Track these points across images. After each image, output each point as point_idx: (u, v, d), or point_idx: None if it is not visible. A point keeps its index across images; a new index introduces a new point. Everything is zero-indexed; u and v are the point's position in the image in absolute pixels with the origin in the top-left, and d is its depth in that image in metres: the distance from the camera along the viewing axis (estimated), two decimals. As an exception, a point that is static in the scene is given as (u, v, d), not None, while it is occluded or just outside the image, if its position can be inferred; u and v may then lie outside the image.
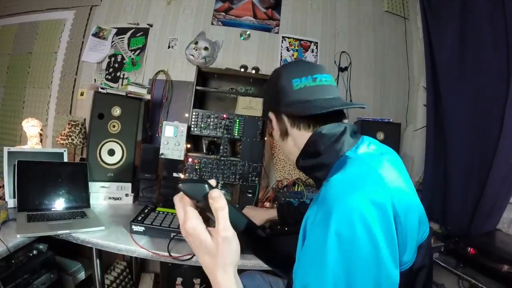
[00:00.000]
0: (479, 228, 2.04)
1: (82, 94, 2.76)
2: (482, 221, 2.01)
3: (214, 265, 0.67)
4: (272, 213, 1.75)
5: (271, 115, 1.05)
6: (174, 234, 1.63)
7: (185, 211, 0.67)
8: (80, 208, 1.92)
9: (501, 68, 1.99)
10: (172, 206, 2.07)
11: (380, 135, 2.41)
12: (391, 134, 2.45)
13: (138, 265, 2.76)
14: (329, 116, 0.95)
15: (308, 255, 0.72)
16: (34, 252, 1.76)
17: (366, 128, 2.42)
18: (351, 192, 0.71)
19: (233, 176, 2.26)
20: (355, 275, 0.66)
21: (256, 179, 2.27)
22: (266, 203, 2.38)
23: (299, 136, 0.99)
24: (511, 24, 1.89)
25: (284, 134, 1.03)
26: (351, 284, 0.66)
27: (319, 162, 0.93)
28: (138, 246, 1.54)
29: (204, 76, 2.50)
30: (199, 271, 2.26)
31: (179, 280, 2.27)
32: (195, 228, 0.66)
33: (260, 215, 1.78)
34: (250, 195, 2.28)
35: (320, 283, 0.67)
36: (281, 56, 2.80)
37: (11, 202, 1.83)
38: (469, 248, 1.77)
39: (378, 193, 0.72)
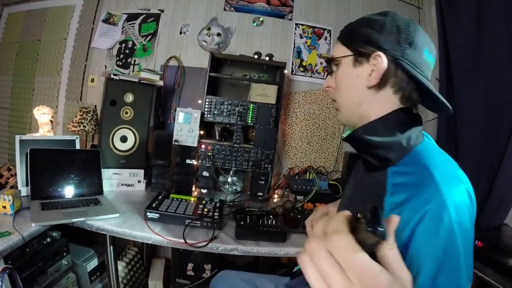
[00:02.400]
0: (487, 222, 2.03)
1: (92, 80, 2.73)
2: (490, 215, 1.99)
3: None
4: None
5: (382, 57, 0.82)
6: (189, 221, 1.61)
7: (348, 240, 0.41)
8: (93, 195, 1.91)
9: None
10: (185, 192, 2.08)
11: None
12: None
13: (149, 251, 2.77)
14: None
15: (431, 248, 0.68)
16: (48, 239, 1.76)
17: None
18: (458, 184, 0.72)
19: (246, 163, 2.25)
20: (468, 259, 0.70)
21: (269, 166, 2.26)
22: (278, 190, 2.36)
23: (385, 101, 0.88)
24: None
25: (377, 87, 0.87)
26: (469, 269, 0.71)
27: (394, 141, 0.83)
28: (153, 233, 1.52)
29: (217, 62, 2.46)
30: (209, 257, 2.25)
31: (190, 265, 2.26)
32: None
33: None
34: (263, 182, 2.27)
35: (456, 268, 0.68)
36: (294, 43, 2.74)
37: (24, 191, 1.83)
38: (477, 241, 1.76)
39: (470, 186, 0.75)
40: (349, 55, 0.90)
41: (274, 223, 1.67)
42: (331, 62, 0.97)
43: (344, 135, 0.96)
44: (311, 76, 2.76)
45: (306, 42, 2.76)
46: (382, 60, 0.82)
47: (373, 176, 0.91)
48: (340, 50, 0.93)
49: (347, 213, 0.44)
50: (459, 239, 0.67)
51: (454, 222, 0.67)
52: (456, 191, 0.70)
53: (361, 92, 0.88)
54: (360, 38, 0.87)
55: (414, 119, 0.88)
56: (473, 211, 0.73)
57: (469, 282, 0.70)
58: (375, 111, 0.88)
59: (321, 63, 2.78)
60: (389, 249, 0.43)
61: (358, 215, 0.42)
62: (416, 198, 0.71)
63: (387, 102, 0.87)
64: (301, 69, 2.76)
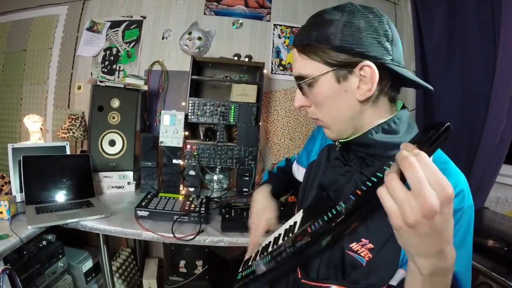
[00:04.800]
0: None
1: (79, 88, 2.79)
2: None
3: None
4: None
5: (372, 67, 0.71)
6: (177, 216, 1.72)
7: (436, 173, 0.48)
8: (85, 198, 1.98)
9: (487, 52, 2.02)
10: (173, 191, 2.17)
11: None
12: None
13: (142, 251, 2.84)
14: None
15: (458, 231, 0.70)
16: (44, 242, 1.85)
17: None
18: (461, 174, 0.76)
19: (230, 161, 2.34)
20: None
21: (252, 162, 2.35)
22: (263, 185, 2.45)
23: (381, 107, 0.80)
24: (498, 10, 1.92)
25: (373, 98, 0.77)
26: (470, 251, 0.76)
27: (396, 141, 0.76)
28: (144, 230, 1.61)
29: (198, 65, 2.54)
30: (200, 253, 2.34)
31: (182, 262, 2.34)
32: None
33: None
34: (247, 178, 2.37)
35: (468, 250, 0.74)
36: (273, 43, 2.84)
37: (18, 197, 1.89)
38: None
39: None
40: (329, 71, 0.75)
41: (258, 215, 1.77)
42: (301, 80, 0.80)
43: (342, 141, 0.87)
44: (290, 75, 2.84)
45: (284, 42, 2.86)
46: (373, 71, 0.71)
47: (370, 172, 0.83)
48: (311, 66, 0.77)
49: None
50: (472, 221, 0.73)
51: (471, 205, 0.72)
52: (464, 181, 0.74)
53: (353, 107, 0.77)
54: (336, 47, 0.72)
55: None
56: None
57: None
58: (370, 118, 0.80)
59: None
60: None
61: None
62: None
63: (382, 107, 0.80)
64: (281, 68, 2.85)
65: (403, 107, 0.84)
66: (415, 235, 0.50)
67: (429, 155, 0.50)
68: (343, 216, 0.61)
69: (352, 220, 0.62)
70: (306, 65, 0.78)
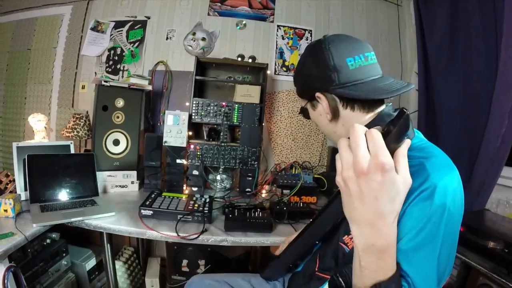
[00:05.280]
0: (468, 207, 2.07)
1: (83, 87, 2.81)
2: (471, 200, 2.05)
3: (393, 211, 0.62)
4: None
5: (321, 96, 0.98)
6: (181, 216, 1.73)
7: (377, 144, 0.58)
8: (90, 197, 2.00)
9: (489, 53, 2.02)
10: (176, 190, 2.19)
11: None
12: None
13: (144, 250, 2.86)
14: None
15: (415, 227, 0.71)
16: (48, 241, 1.86)
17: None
18: (451, 171, 0.78)
19: (233, 161, 2.35)
20: (450, 243, 0.74)
21: (255, 163, 2.37)
22: (265, 185, 2.47)
23: (352, 117, 0.95)
24: (500, 11, 1.93)
25: (335, 116, 0.98)
26: (451, 254, 0.75)
27: None
28: (148, 229, 1.63)
29: (202, 65, 2.56)
30: (203, 253, 2.34)
31: (184, 262, 2.36)
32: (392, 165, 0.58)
33: None
34: (250, 178, 2.38)
35: (432, 253, 0.71)
36: (276, 45, 2.85)
37: (23, 195, 1.91)
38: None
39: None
40: (306, 103, 1.09)
41: (261, 215, 1.79)
42: (303, 112, 1.14)
43: None
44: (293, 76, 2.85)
45: (288, 43, 2.88)
46: (322, 98, 0.98)
47: None
48: (302, 101, 1.12)
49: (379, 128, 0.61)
50: (443, 223, 0.71)
51: (442, 204, 0.71)
52: (451, 179, 0.75)
53: (329, 125, 1.02)
54: (302, 87, 1.09)
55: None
56: (462, 202, 0.78)
57: (445, 275, 0.74)
58: (344, 130, 0.99)
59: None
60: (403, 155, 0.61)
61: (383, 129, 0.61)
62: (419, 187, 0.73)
63: (356, 117, 0.96)
64: (284, 69, 2.87)
65: (375, 108, 0.97)
66: (347, 193, 0.61)
67: (386, 135, 0.60)
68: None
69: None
70: (301, 100, 1.13)
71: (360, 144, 0.58)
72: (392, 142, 0.60)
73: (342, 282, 0.74)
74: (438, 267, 0.71)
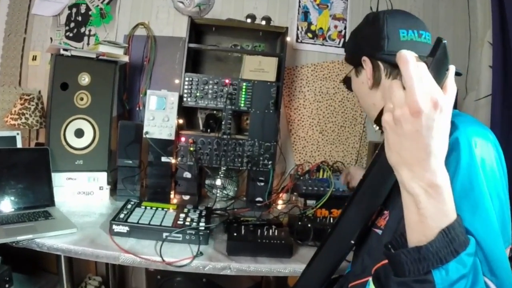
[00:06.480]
0: None
1: (34, 58, 2.79)
2: None
3: (445, 150, 0.70)
4: None
5: (367, 59, 1.24)
6: (167, 234, 1.69)
7: (430, 81, 0.65)
8: (43, 207, 1.97)
9: None
10: (161, 199, 2.16)
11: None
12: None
13: (116, 281, 2.84)
14: None
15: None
16: (-16, 268, 1.83)
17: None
18: (485, 130, 0.95)
19: (239, 160, 2.34)
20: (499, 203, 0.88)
21: (269, 163, 2.35)
22: (282, 194, 2.43)
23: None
24: None
25: (377, 84, 1.24)
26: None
27: None
28: (122, 251, 1.59)
29: (198, 29, 2.53)
30: (197, 285, 2.32)
31: (171, 297, 2.33)
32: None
33: None
34: (262, 184, 2.35)
35: (480, 199, 0.84)
36: (299, 2, 2.81)
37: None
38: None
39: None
40: (351, 69, 1.37)
41: (276, 234, 1.75)
42: (346, 81, 1.44)
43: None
44: (322, 44, 2.84)
45: (315, 0, 2.84)
46: (367, 62, 1.24)
47: None
48: (347, 68, 1.41)
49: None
50: (481, 176, 0.85)
51: (477, 156, 0.86)
52: (486, 135, 0.92)
53: (369, 95, 1.29)
54: (351, 50, 1.40)
55: None
56: (503, 165, 0.94)
57: (506, 243, 0.88)
58: (382, 100, 1.21)
59: (335, 27, 2.85)
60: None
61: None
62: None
63: None
64: (309, 35, 2.84)
65: None
66: (399, 133, 0.67)
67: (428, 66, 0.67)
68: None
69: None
70: (346, 68, 1.44)
71: (416, 79, 0.63)
72: (435, 75, 0.67)
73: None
74: (491, 216, 0.83)
